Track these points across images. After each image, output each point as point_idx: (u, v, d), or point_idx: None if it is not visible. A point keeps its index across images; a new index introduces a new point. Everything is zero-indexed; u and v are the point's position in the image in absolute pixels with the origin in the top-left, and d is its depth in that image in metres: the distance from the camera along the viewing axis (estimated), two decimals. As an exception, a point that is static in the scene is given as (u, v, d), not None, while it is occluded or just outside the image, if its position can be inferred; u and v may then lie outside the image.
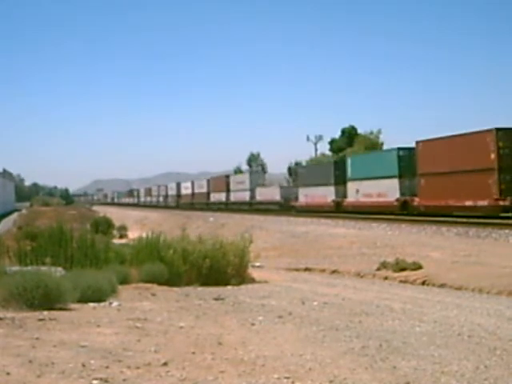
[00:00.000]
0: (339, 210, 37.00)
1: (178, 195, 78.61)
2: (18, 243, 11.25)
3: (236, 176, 65.26)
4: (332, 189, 38.25)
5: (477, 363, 5.08)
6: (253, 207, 53.06)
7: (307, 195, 42.21)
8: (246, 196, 56.08)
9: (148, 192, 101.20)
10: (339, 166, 38.12)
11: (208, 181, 68.36)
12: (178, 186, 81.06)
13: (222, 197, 60.47)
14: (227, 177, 63.61)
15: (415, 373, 4.68)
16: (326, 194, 39.11)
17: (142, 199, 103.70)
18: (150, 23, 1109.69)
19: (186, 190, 76.62)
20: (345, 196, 36.78)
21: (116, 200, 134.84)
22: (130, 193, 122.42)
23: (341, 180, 37.25)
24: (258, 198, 53.40)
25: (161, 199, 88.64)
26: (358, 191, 34.78)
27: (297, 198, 44.33)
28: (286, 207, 45.94)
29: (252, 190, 55.21)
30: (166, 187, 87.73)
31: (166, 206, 79.15)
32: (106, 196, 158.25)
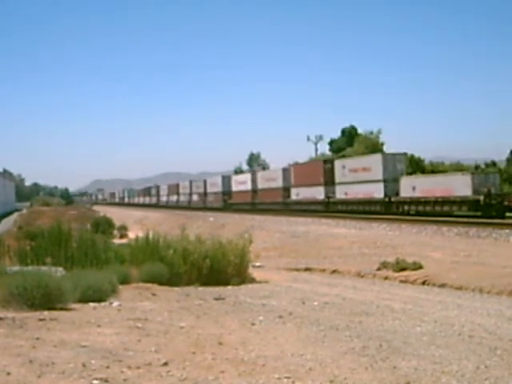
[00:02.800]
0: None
1: (226, 192, 59.30)
2: (19, 243, 11.26)
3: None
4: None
5: (477, 363, 5.08)
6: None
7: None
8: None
9: (173, 189, 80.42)
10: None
11: (286, 170, 47.60)
12: (227, 180, 60.68)
13: (316, 193, 40.74)
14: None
15: (416, 373, 4.68)
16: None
17: (164, 198, 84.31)
18: (150, 23, 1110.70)
19: (240, 185, 56.22)
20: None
21: (127, 200, 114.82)
22: (147, 191, 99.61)
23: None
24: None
25: (195, 198, 70.04)
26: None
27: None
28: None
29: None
30: (205, 182, 67.26)
31: (206, 208, 61.09)
32: (112, 195, 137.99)
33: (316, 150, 73.41)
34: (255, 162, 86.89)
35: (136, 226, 37.86)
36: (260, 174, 54.27)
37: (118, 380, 4.12)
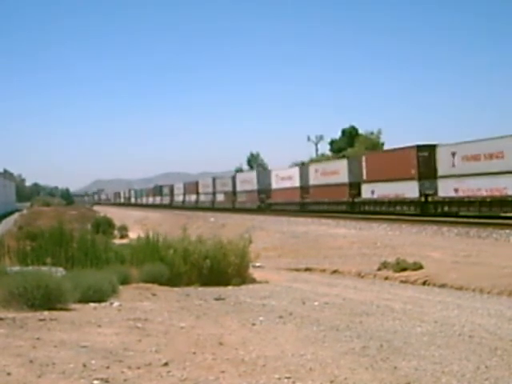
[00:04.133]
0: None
1: (264, 190, 49.66)
2: (19, 243, 11.26)
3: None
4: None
5: (477, 363, 5.08)
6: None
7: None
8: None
9: (191, 188, 70.56)
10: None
11: (352, 161, 37.23)
12: (264, 175, 51.51)
13: (403, 189, 31.54)
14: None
15: (416, 373, 4.68)
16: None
17: (180, 198, 74.44)
18: (150, 22, 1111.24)
19: (284, 181, 46.05)
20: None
21: (133, 200, 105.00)
22: (157, 190, 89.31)
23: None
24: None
25: (220, 198, 59.95)
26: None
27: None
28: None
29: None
30: (234, 179, 57.37)
31: (236, 209, 51.67)
32: (117, 195, 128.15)
33: (316, 150, 73.53)
34: (255, 162, 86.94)
35: (136, 226, 37.88)
36: (313, 168, 42.86)
37: (119, 380, 4.12)
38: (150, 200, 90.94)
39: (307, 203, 42.40)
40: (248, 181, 53.51)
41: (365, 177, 34.88)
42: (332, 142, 67.83)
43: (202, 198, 65.69)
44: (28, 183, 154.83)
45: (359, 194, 35.39)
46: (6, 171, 71.69)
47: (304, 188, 42.37)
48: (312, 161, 60.91)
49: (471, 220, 25.36)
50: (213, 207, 59.86)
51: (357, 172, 35.54)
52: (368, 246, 19.37)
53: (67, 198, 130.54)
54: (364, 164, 35.12)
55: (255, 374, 4.43)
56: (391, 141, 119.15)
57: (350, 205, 36.44)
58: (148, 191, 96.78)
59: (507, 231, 20.79)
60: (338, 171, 37.94)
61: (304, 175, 42.57)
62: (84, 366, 4.37)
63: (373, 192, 34.13)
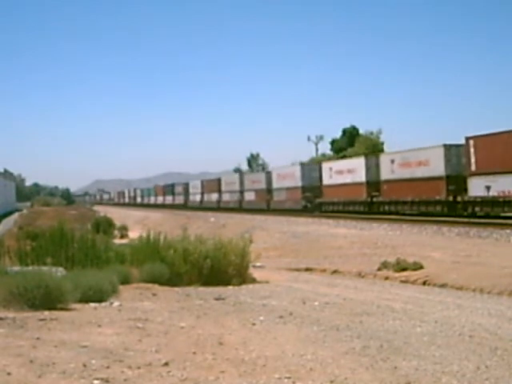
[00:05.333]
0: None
1: (311, 187, 41.10)
2: (19, 243, 11.26)
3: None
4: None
5: (478, 363, 5.08)
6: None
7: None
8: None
9: (211, 186, 61.94)
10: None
11: (450, 148, 28.72)
12: (311, 169, 42.82)
13: None
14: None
15: (416, 373, 4.68)
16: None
17: (196, 198, 66.04)
18: (150, 22, 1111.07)
19: (341, 175, 37.39)
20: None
21: (140, 199, 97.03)
22: (169, 189, 79.99)
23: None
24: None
25: (250, 196, 51.22)
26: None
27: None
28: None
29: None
30: (269, 175, 49.23)
31: (272, 211, 44.29)
32: (121, 195, 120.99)
33: (317, 150, 73.49)
34: (255, 163, 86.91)
35: (136, 226, 37.89)
36: (387, 157, 33.64)
37: (119, 380, 4.12)
38: (160, 200, 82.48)
39: (378, 203, 33.60)
40: (289, 175, 43.89)
41: (473, 167, 26.15)
42: (333, 142, 67.81)
43: (226, 197, 56.93)
44: (28, 183, 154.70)
45: (464, 190, 26.90)
46: (6, 171, 71.80)
47: (372, 183, 33.89)
48: (312, 160, 60.75)
49: (471, 220, 25.35)
50: (240, 208, 51.41)
51: (457, 161, 27.87)
52: (368, 246, 19.37)
53: (67, 197, 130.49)
54: (472, 150, 26.30)
55: (255, 374, 4.43)
56: (391, 141, 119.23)
57: (449, 205, 28.01)
58: (158, 190, 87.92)
59: (507, 231, 20.79)
60: (428, 161, 29.37)
61: (372, 167, 34.33)
62: (84, 365, 4.37)
63: (488, 188, 25.36)
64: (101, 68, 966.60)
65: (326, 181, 39.45)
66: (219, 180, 61.11)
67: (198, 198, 66.26)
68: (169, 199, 77.75)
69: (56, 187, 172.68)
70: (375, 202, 34.02)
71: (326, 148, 71.44)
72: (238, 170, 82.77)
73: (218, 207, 56.76)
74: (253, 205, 49.83)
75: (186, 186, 72.49)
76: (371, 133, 62.22)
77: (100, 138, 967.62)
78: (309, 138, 74.23)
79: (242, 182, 54.15)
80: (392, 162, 32.60)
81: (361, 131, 64.13)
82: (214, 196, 60.61)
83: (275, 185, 46.97)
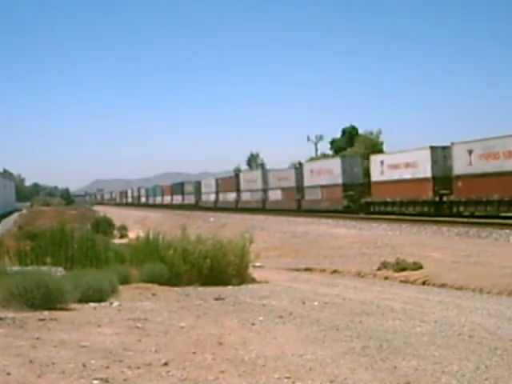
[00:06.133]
0: None
1: (352, 185, 35.62)
2: (19, 243, 11.26)
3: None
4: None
5: (477, 363, 5.08)
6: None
7: None
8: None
9: (227, 184, 56.27)
10: None
11: None
12: (351, 163, 36.93)
13: None
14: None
15: (416, 373, 4.68)
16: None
17: (210, 198, 60.07)
18: (150, 22, 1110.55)
19: (393, 170, 32.01)
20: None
21: (144, 199, 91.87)
22: (178, 188, 73.81)
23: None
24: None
25: (276, 195, 45.45)
26: None
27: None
28: None
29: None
30: (298, 170, 43.33)
31: (303, 211, 39.31)
32: (123, 194, 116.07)
33: (316, 150, 73.41)
34: (254, 162, 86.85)
35: (136, 226, 37.86)
36: (464, 147, 27.42)
37: (119, 380, 4.12)
38: (167, 199, 76.81)
39: (451, 203, 27.97)
40: (325, 171, 38.00)
41: None
42: (332, 142, 67.77)
43: (246, 196, 50.77)
44: (28, 183, 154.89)
45: None
46: (5, 171, 71.70)
47: (440, 179, 28.72)
48: (312, 159, 60.69)
49: (471, 220, 25.35)
50: (263, 208, 46.08)
51: None
52: (368, 246, 19.36)
53: (67, 197, 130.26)
54: None
55: (255, 374, 4.43)
56: (391, 141, 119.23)
57: None
58: (165, 189, 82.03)
59: (507, 231, 20.79)
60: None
61: (439, 160, 29.00)
62: (84, 365, 4.37)
63: None
64: (101, 68, 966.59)
65: (375, 177, 33.54)
66: (237, 177, 55.07)
67: (211, 197, 60.01)
68: (177, 199, 71.76)
69: (56, 187, 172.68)
70: (445, 202, 28.38)
71: (325, 148, 71.45)
72: (237, 170, 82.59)
73: (236, 208, 50.72)
74: (279, 205, 43.80)
75: (198, 185, 66.18)
76: (371, 133, 62.22)
77: (100, 138, 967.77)
78: (308, 138, 74.17)
79: (265, 180, 47.76)
80: (470, 152, 26.98)
81: (360, 131, 64.14)
82: (231, 195, 54.35)
83: (307, 182, 40.38)
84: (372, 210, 33.70)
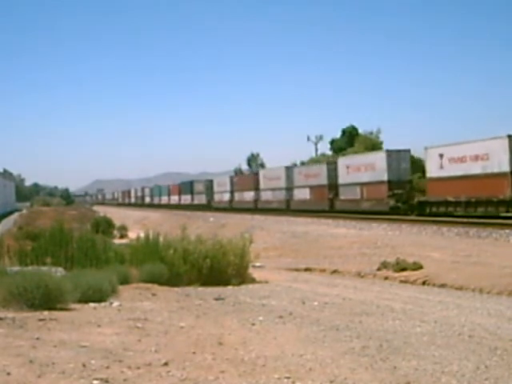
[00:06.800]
0: None
1: (397, 183, 31.50)
2: (19, 243, 11.26)
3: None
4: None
5: (477, 363, 5.08)
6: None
7: None
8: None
9: (244, 182, 52.11)
10: None
11: None
12: (397, 157, 32.11)
13: None
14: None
15: (416, 373, 4.68)
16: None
17: (224, 197, 55.48)
18: (150, 22, 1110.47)
19: (456, 165, 27.35)
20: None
21: (149, 199, 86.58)
22: (186, 187, 68.63)
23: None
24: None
25: (303, 194, 40.44)
26: None
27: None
28: None
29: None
30: (332, 166, 37.67)
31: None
32: (126, 194, 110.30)
33: (316, 150, 73.39)
34: (255, 162, 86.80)
35: (136, 226, 37.88)
36: None
37: (118, 380, 4.12)
38: (175, 199, 71.84)
39: None
40: (365, 166, 33.19)
41: None
42: (332, 142, 67.75)
43: (267, 195, 46.22)
44: (28, 183, 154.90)
45: None
46: (5, 171, 71.67)
47: None
48: (312, 160, 60.60)
49: (471, 220, 25.33)
50: (287, 209, 41.67)
51: None
52: (368, 246, 19.36)
53: (67, 197, 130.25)
54: None
55: (255, 374, 4.43)
56: (391, 141, 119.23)
57: None
58: (172, 188, 76.47)
59: (507, 231, 20.78)
60: None
61: None
62: (84, 365, 4.37)
63: None
64: (101, 68, 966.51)
65: (432, 172, 28.87)
66: (256, 175, 50.42)
67: (226, 197, 54.98)
68: (186, 199, 66.58)
69: (56, 187, 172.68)
70: None
71: (325, 148, 71.44)
72: (238, 170, 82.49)
73: (255, 208, 46.40)
74: (307, 205, 38.90)
75: (210, 184, 61.27)
76: (371, 133, 62.21)
77: (100, 138, 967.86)
78: (308, 138, 74.14)
79: (289, 177, 42.60)
80: None
81: (360, 131, 64.13)
82: (249, 194, 49.63)
83: (342, 179, 35.65)
84: (428, 211, 29.14)
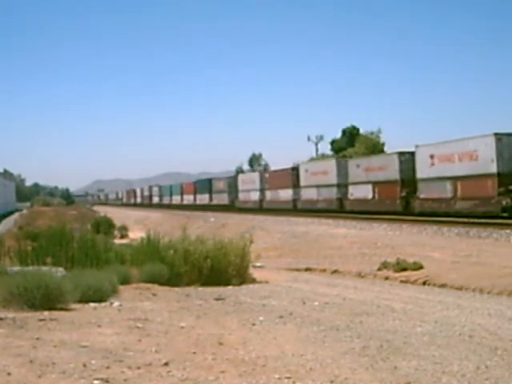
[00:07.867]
0: None
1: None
2: (19, 243, 11.26)
3: None
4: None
5: (478, 363, 5.08)
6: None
7: None
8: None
9: (280, 178, 43.80)
10: None
11: None
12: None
13: None
14: None
15: (416, 373, 4.68)
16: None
17: (252, 197, 48.33)
18: (150, 22, 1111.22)
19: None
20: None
21: (157, 199, 79.67)
22: (204, 185, 60.61)
23: None
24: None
25: (364, 192, 33.02)
26: None
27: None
28: None
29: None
30: (410, 157, 29.83)
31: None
32: (131, 193, 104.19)
33: (317, 150, 73.43)
34: (256, 162, 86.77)
35: (137, 226, 37.88)
36: None
37: (119, 380, 4.12)
38: (189, 199, 63.80)
39: None
40: (460, 155, 26.07)
41: None
42: (333, 142, 67.78)
43: (311, 193, 38.60)
44: (28, 183, 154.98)
45: None
46: (5, 171, 71.76)
47: None
48: (312, 159, 60.52)
49: (471, 220, 25.33)
50: (341, 209, 35.08)
51: None
52: (368, 246, 19.35)
53: (67, 198, 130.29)
54: None
55: (255, 374, 4.43)
56: (391, 141, 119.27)
57: None
58: (186, 187, 67.45)
59: (507, 231, 20.76)
60: None
61: None
62: (84, 365, 4.38)
63: None
64: (101, 68, 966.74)
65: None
66: (295, 170, 42.30)
67: (254, 196, 47.60)
68: (203, 198, 59.11)
69: (56, 187, 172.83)
70: None
71: (325, 148, 71.47)
72: (239, 171, 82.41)
73: (295, 208, 39.53)
74: (370, 206, 32.11)
75: (233, 181, 53.50)
76: (371, 133, 62.21)
77: (100, 138, 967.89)
78: (309, 138, 74.18)
79: (340, 171, 35.39)
80: None
81: (361, 131, 64.13)
82: (286, 193, 41.98)
83: (423, 173, 28.17)
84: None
